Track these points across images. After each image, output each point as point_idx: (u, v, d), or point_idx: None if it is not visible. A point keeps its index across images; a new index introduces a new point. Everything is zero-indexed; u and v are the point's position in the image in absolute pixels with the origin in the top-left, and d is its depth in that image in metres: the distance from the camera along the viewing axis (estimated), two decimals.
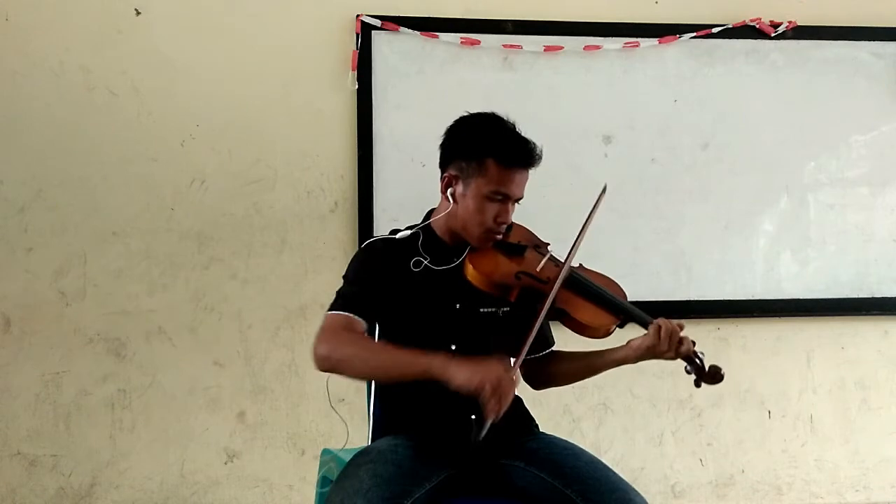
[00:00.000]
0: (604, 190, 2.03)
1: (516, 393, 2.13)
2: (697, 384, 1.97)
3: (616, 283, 2.07)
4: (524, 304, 1.91)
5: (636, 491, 1.80)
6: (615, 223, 3.32)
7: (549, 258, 2.01)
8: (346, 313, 1.89)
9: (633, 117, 3.39)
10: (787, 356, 3.47)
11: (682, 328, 1.93)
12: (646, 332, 1.94)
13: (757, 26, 3.40)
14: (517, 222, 2.08)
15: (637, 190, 3.37)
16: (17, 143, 3.19)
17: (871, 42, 3.48)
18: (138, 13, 3.25)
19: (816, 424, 3.47)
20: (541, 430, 2.10)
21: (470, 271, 1.93)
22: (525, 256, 2.00)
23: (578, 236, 1.90)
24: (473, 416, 1.93)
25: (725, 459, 3.43)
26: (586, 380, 3.35)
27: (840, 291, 3.44)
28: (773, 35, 3.41)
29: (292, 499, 3.26)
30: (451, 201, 1.98)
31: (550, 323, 2.11)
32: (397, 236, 2.02)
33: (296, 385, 3.26)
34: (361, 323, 1.89)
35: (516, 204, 2.00)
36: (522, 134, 1.99)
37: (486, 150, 1.94)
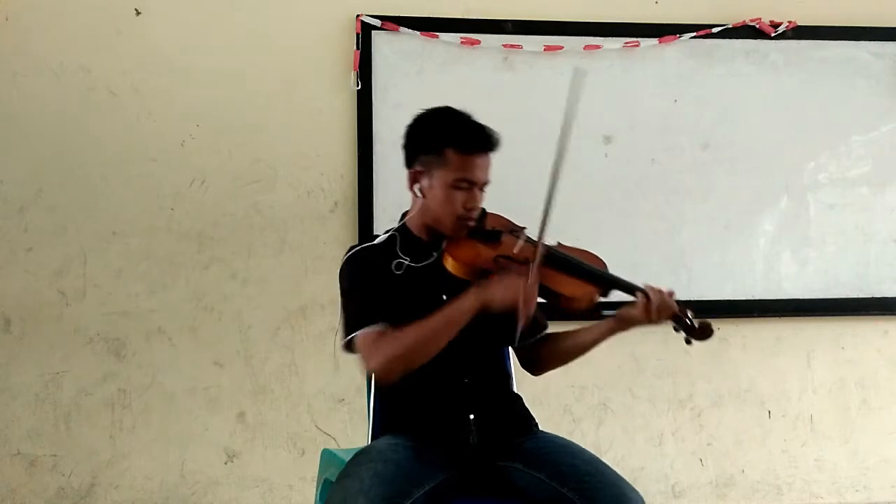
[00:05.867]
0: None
1: (516, 392, 2.14)
2: (688, 342, 1.98)
3: (595, 255, 2.09)
4: None
5: (633, 488, 1.80)
6: (615, 223, 3.33)
7: (524, 239, 2.02)
8: (371, 327, 1.91)
9: (633, 117, 3.39)
10: (787, 356, 3.47)
11: (672, 295, 1.95)
12: (633, 298, 1.96)
13: (757, 26, 3.40)
14: (492, 212, 2.09)
15: (637, 190, 3.37)
16: (17, 143, 3.19)
17: (871, 42, 3.48)
18: (138, 13, 3.25)
19: (816, 424, 3.47)
20: (541, 429, 2.10)
21: (450, 262, 1.96)
22: (501, 241, 2.03)
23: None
24: (472, 416, 1.95)
25: (725, 459, 3.43)
26: (586, 380, 3.37)
27: (840, 291, 3.44)
28: (773, 35, 3.41)
29: (292, 499, 3.26)
30: (420, 196, 2.03)
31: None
32: (375, 242, 2.06)
33: (296, 385, 3.26)
34: (388, 327, 1.91)
35: (484, 190, 2.02)
36: (478, 121, 2.02)
37: (444, 140, 1.98)
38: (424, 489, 1.80)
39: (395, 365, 1.86)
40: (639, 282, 1.99)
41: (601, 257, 2.09)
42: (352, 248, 2.06)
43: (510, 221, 2.12)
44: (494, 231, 2.05)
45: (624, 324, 1.98)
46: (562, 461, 1.87)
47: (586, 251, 2.10)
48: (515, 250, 1.98)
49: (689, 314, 1.97)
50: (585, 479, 1.81)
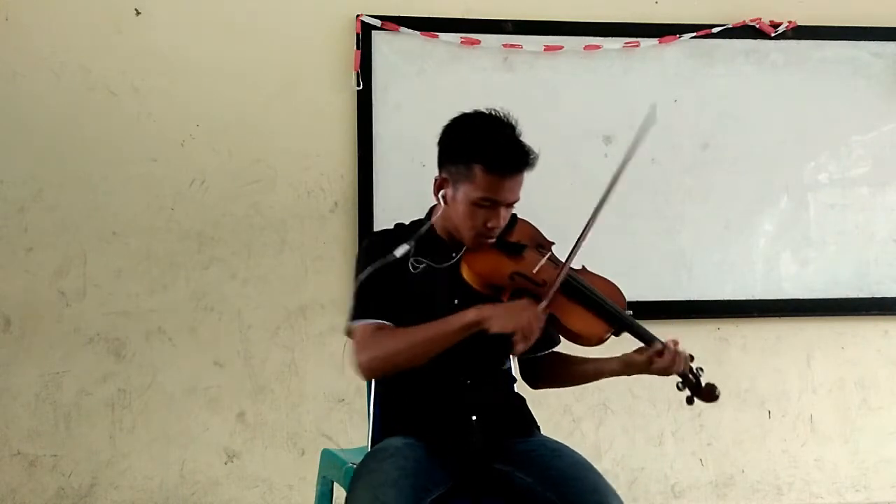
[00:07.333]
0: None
1: (519, 393, 2.14)
2: (689, 401, 1.92)
3: (617, 289, 2.00)
4: None
5: (616, 494, 1.80)
6: (615, 223, 3.31)
7: (548, 259, 1.94)
8: (373, 320, 1.89)
9: (633, 117, 3.34)
10: (787, 356, 3.47)
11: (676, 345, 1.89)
12: (645, 346, 1.89)
13: (757, 26, 3.40)
14: (523, 218, 2.03)
15: (637, 190, 3.36)
16: (17, 143, 3.19)
17: (871, 42, 3.48)
18: (138, 13, 3.25)
19: (816, 424, 3.47)
20: (541, 431, 2.10)
21: (465, 270, 1.91)
22: (523, 256, 1.95)
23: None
24: (474, 418, 1.95)
25: (725, 459, 3.43)
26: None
27: (840, 291, 3.44)
28: (773, 35, 3.41)
29: (292, 499, 3.26)
30: (443, 203, 1.96)
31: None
32: (398, 254, 1.92)
33: (296, 385, 3.26)
34: (388, 325, 1.89)
35: (511, 207, 1.94)
36: (518, 135, 1.93)
37: (474, 155, 1.88)
38: (440, 490, 1.82)
39: (380, 365, 1.86)
40: (660, 337, 1.91)
41: (622, 291, 2.00)
42: (374, 233, 2.02)
43: (539, 233, 2.04)
44: (519, 245, 1.97)
45: (628, 368, 1.93)
46: (550, 465, 1.87)
47: (609, 282, 2.00)
48: (535, 270, 1.90)
49: (699, 372, 1.91)
50: (570, 482, 1.81)
